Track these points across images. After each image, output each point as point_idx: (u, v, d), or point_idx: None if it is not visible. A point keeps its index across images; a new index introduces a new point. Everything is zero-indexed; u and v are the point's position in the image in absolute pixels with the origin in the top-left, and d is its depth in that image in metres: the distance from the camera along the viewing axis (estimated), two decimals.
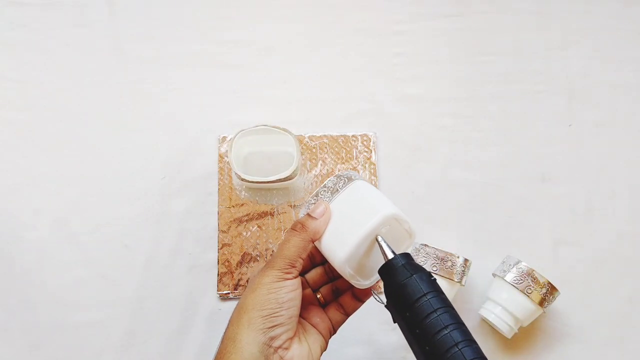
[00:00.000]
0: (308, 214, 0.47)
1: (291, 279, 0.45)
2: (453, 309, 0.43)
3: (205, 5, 0.72)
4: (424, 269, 0.44)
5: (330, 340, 0.64)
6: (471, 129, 0.70)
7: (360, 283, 0.47)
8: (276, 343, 0.43)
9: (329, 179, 0.49)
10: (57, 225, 0.65)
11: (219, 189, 0.66)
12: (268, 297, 0.44)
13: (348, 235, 0.45)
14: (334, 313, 0.50)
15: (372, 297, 0.49)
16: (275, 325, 0.43)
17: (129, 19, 0.71)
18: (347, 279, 0.46)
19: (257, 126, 0.59)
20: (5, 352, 0.62)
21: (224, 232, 0.65)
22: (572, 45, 0.73)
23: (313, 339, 0.47)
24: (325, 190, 0.48)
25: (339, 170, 0.66)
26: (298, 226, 0.46)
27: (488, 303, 0.62)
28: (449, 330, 0.41)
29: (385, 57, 0.71)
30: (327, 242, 0.46)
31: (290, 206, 0.66)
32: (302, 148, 0.67)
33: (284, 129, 0.59)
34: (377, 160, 0.68)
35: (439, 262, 0.60)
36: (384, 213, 0.45)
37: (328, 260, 0.47)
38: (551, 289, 0.60)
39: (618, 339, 0.65)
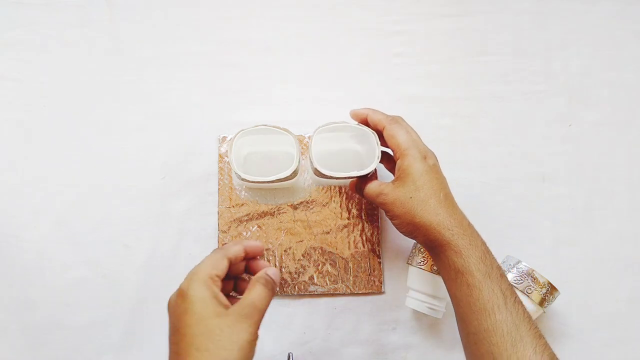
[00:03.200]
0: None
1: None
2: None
3: (205, 5, 0.72)
4: None
5: (330, 340, 0.64)
6: (471, 129, 0.70)
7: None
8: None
9: None
10: (57, 225, 0.65)
11: (219, 189, 0.66)
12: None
13: None
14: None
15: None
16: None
17: (129, 19, 0.71)
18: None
19: (257, 126, 0.59)
20: (5, 352, 0.62)
21: (224, 232, 0.65)
22: (572, 45, 0.73)
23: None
24: None
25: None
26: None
27: None
28: None
29: (385, 57, 0.71)
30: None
31: (291, 206, 0.66)
32: (302, 148, 0.67)
33: (284, 129, 0.59)
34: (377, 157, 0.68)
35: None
36: None
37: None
38: (551, 289, 0.60)
39: (618, 339, 0.65)
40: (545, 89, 0.71)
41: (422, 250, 0.61)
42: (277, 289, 0.49)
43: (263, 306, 0.45)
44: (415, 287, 0.61)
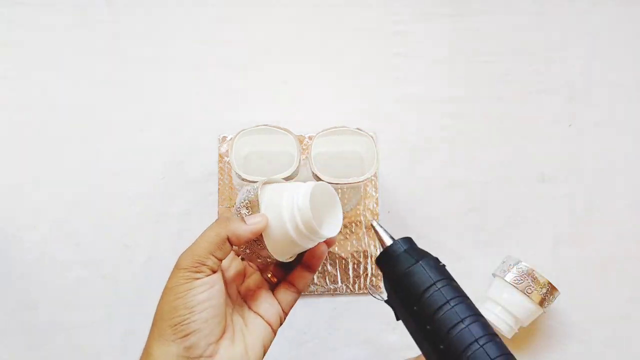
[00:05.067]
0: (241, 218, 0.43)
1: (202, 277, 0.40)
2: (468, 298, 0.38)
3: (205, 5, 0.72)
4: (429, 254, 0.38)
5: (330, 340, 0.63)
6: (471, 129, 0.70)
7: (323, 234, 0.43)
8: (195, 352, 0.39)
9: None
10: (57, 225, 0.65)
11: (219, 189, 0.66)
12: (175, 304, 0.39)
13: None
14: (284, 293, 0.46)
15: (365, 291, 0.48)
16: (189, 334, 0.39)
17: (129, 19, 0.71)
18: (310, 236, 0.43)
19: (257, 126, 0.59)
20: (5, 352, 0.62)
21: None
22: (572, 45, 0.73)
23: (255, 334, 0.43)
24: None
25: None
26: (219, 220, 0.43)
27: (488, 303, 0.62)
28: (466, 324, 0.35)
29: (385, 57, 0.71)
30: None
31: None
32: (302, 148, 0.67)
33: (284, 129, 0.59)
34: (377, 161, 0.68)
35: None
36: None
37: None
38: (551, 289, 0.60)
39: (618, 339, 0.65)
40: (545, 89, 0.71)
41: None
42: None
43: (198, 249, 0.41)
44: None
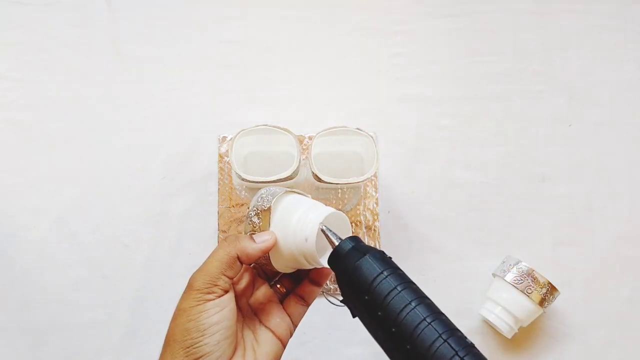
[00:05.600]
0: (250, 235, 0.43)
1: (214, 299, 0.40)
2: (414, 284, 0.40)
3: (205, 5, 0.72)
4: (375, 248, 0.41)
5: (330, 340, 0.64)
6: (471, 129, 0.70)
7: (325, 262, 0.44)
8: None
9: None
10: (57, 225, 0.65)
11: (219, 189, 0.66)
12: (187, 326, 0.39)
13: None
14: (294, 307, 0.46)
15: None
16: (201, 357, 0.39)
17: (129, 19, 0.71)
18: (312, 263, 0.44)
19: (257, 126, 0.59)
20: (5, 352, 0.62)
21: (224, 232, 0.65)
22: (572, 45, 0.73)
23: (266, 350, 0.44)
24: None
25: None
26: (228, 238, 0.43)
27: (488, 303, 0.62)
28: (414, 306, 0.38)
29: (385, 57, 0.71)
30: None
31: None
32: (302, 148, 0.67)
33: (284, 129, 0.59)
34: (377, 161, 0.68)
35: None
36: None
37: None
38: (551, 289, 0.60)
39: (618, 339, 0.65)
40: (545, 89, 0.71)
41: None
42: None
43: (210, 269, 0.41)
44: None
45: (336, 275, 0.42)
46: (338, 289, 0.64)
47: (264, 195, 0.46)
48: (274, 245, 0.43)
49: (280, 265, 0.45)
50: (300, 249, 0.43)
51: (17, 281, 0.63)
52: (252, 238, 0.43)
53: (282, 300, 0.47)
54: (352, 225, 0.66)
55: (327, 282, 0.65)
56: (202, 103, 0.69)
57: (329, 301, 0.45)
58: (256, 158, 0.64)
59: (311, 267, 0.45)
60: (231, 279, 0.42)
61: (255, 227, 0.45)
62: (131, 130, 0.68)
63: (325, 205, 0.46)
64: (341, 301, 0.42)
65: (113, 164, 0.67)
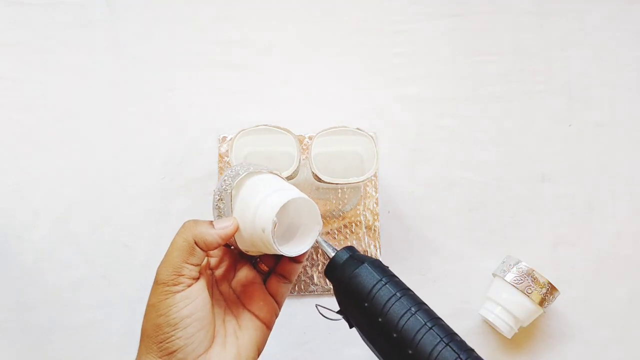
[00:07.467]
0: (210, 222, 0.41)
1: (182, 290, 0.39)
2: (411, 290, 0.41)
3: (205, 5, 0.72)
4: (371, 257, 0.41)
5: (330, 340, 0.63)
6: (471, 129, 0.70)
7: (288, 251, 0.42)
8: None
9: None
10: (57, 225, 0.65)
11: None
12: (158, 322, 0.38)
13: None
14: (276, 285, 0.45)
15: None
16: (175, 351, 0.38)
17: (129, 19, 0.71)
18: (275, 252, 0.41)
19: (257, 126, 0.59)
20: (5, 352, 0.62)
21: None
22: (572, 45, 0.73)
23: (248, 335, 0.42)
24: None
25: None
26: (186, 224, 0.41)
27: (488, 303, 0.62)
28: (414, 312, 0.38)
29: (385, 57, 0.71)
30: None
31: None
32: (302, 148, 0.67)
33: (284, 129, 0.59)
34: (377, 160, 0.68)
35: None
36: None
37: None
38: (551, 289, 0.60)
39: (618, 339, 0.65)
40: (545, 89, 0.71)
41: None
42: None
43: (172, 259, 0.39)
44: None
45: (333, 286, 0.42)
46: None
47: (226, 178, 0.43)
48: (236, 232, 0.41)
49: (250, 248, 0.43)
50: (261, 238, 0.41)
51: (17, 281, 0.63)
52: (211, 224, 0.41)
53: (265, 280, 0.46)
54: (352, 225, 0.66)
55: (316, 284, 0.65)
56: (202, 103, 0.69)
57: (323, 315, 0.43)
58: (256, 158, 0.64)
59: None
60: (196, 265, 0.40)
61: (220, 213, 0.43)
62: (131, 130, 0.68)
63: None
64: (337, 312, 0.41)
65: (113, 164, 0.67)
